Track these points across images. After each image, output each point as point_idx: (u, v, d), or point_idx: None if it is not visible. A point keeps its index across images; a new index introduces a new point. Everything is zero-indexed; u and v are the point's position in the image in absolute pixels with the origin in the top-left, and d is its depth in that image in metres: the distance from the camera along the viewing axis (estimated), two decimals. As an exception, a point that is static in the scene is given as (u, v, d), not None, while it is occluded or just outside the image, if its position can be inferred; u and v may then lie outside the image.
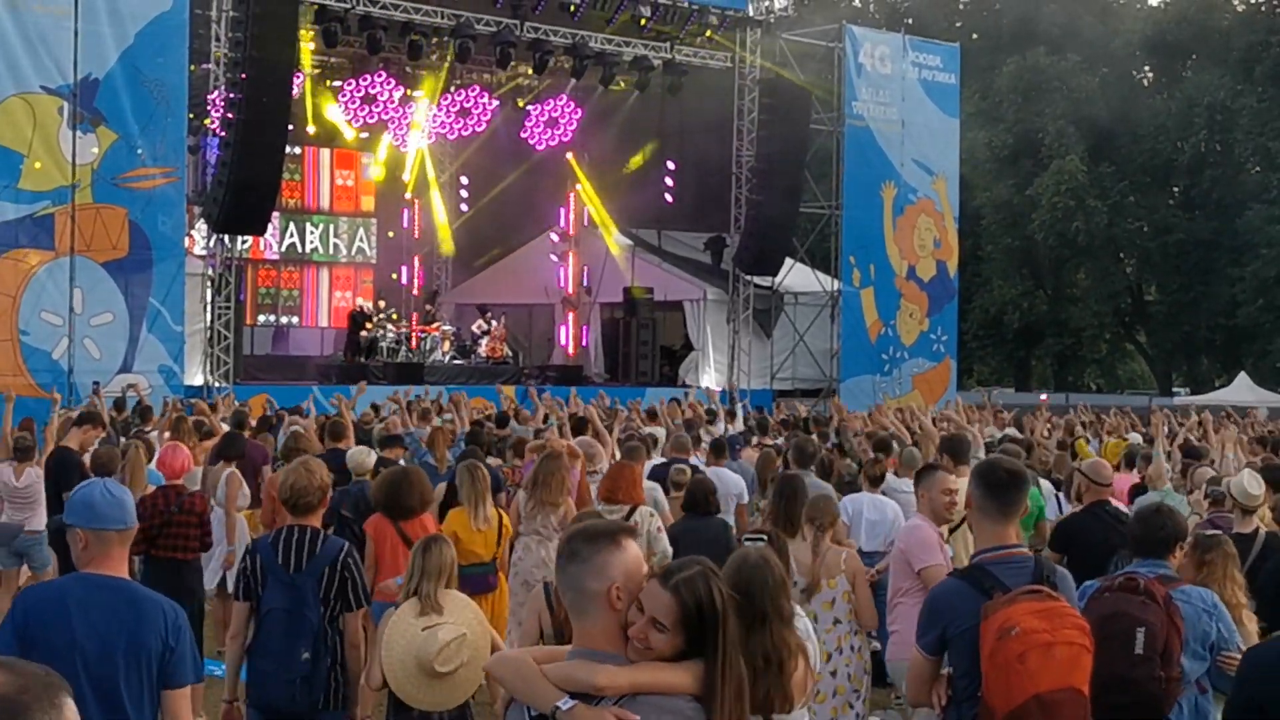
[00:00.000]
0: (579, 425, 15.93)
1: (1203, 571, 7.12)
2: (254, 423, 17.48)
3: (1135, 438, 19.43)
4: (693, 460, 14.28)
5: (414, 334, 33.81)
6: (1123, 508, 10.19)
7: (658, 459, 14.45)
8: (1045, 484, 13.09)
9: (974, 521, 5.89)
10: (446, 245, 39.43)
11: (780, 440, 18.03)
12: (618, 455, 13.55)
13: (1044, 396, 28.90)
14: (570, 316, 38.39)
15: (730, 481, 13.36)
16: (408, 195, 38.78)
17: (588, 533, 4.09)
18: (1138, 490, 12.44)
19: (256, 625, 7.55)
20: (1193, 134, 54.48)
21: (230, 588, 10.25)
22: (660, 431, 17.55)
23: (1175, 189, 57.66)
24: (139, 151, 25.42)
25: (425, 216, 39.64)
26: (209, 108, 27.87)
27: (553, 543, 10.74)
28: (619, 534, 4.07)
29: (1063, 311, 57.94)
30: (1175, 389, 57.41)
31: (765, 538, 5.76)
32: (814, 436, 17.14)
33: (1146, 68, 60.95)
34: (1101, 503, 9.61)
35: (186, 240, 27.62)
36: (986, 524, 5.78)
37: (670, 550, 9.96)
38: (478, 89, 34.93)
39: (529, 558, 10.55)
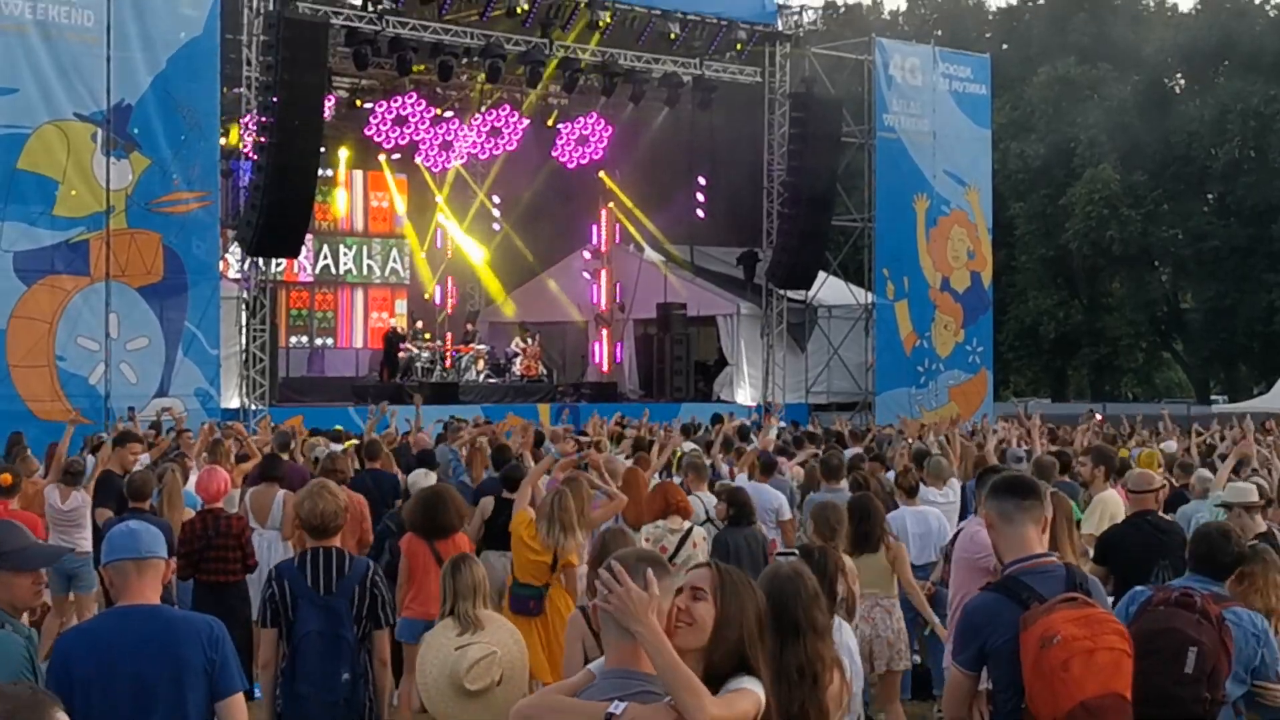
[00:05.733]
0: (642, 445, 16.03)
1: (1244, 583, 7.03)
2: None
3: (1170, 445, 19.36)
4: (741, 477, 14.35)
5: (448, 353, 33.87)
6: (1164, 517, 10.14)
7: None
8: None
9: (997, 536, 5.83)
10: (488, 283, 39.47)
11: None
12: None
13: (1099, 417, 28.72)
14: (604, 333, 38.41)
15: (770, 496, 13.27)
16: (440, 216, 38.84)
17: (648, 555, 4.32)
18: (1177, 499, 12.34)
19: (291, 650, 7.49)
20: (1227, 140, 54.19)
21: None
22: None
23: (1210, 196, 57.34)
24: (173, 176, 25.55)
25: (457, 237, 39.71)
26: (241, 131, 28.00)
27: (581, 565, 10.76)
28: (670, 568, 4.35)
29: (1098, 321, 57.71)
30: (1213, 397, 57.04)
31: (796, 553, 5.76)
32: (860, 450, 17.18)
33: (1179, 75, 60.69)
34: (1144, 513, 9.54)
35: (221, 264, 27.71)
36: (1009, 531, 5.72)
37: None
38: (508, 108, 34.96)
39: None
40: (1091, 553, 9.35)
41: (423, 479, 11.95)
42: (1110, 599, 7.86)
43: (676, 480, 12.76)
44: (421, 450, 16.17)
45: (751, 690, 4.11)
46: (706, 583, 4.15)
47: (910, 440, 19.50)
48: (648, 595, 4.01)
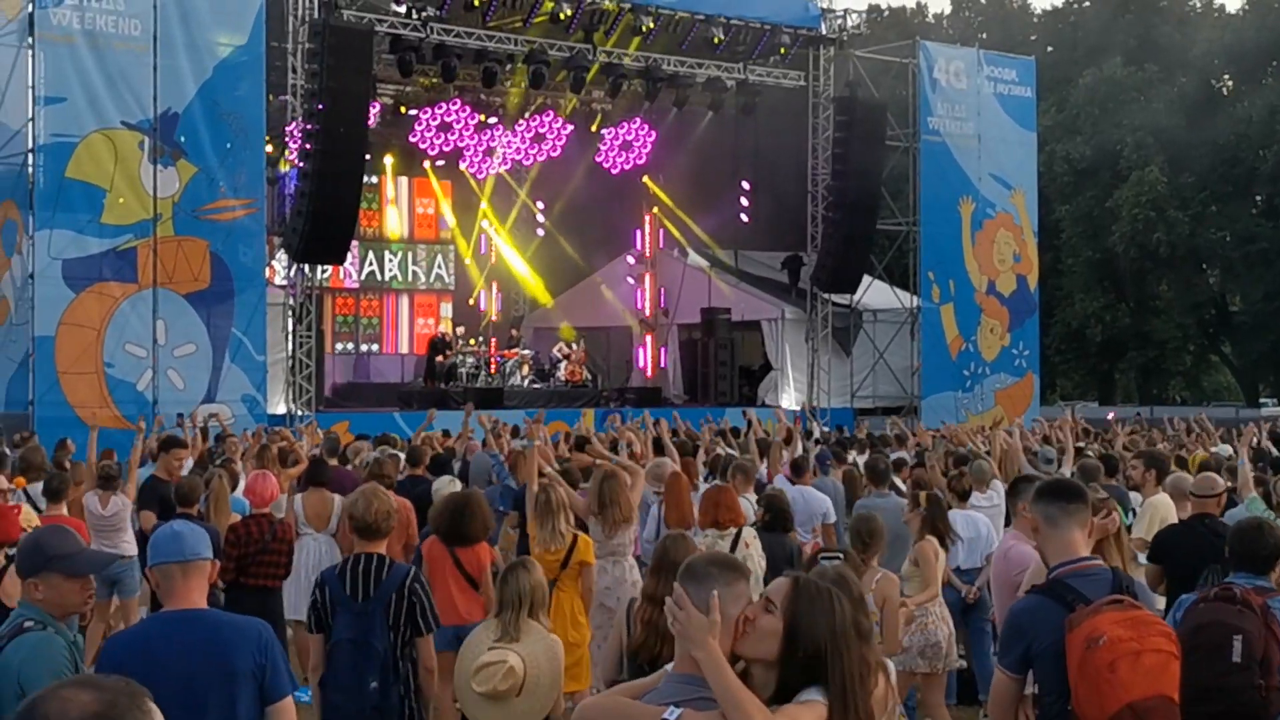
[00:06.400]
0: (686, 451, 15.99)
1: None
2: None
3: (1224, 449, 19.17)
4: (779, 481, 14.24)
5: (493, 359, 33.94)
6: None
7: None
8: (1134, 496, 12.92)
9: (1042, 540, 5.81)
10: (532, 288, 39.56)
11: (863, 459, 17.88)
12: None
13: (1110, 415, 28.65)
14: (648, 338, 38.41)
15: (816, 501, 13.19)
16: (484, 222, 38.93)
17: (722, 560, 4.40)
18: (1227, 502, 12.23)
19: (326, 657, 7.56)
20: (1275, 141, 53.71)
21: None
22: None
23: (1258, 197, 56.85)
24: (219, 184, 25.72)
25: (500, 244, 39.78)
26: (287, 139, 28.15)
27: (627, 560, 10.70)
28: (744, 570, 4.40)
29: (1145, 324, 57.32)
30: (1262, 400, 56.58)
31: (841, 556, 5.73)
32: (903, 454, 17.09)
33: (1226, 75, 60.21)
34: (1201, 516, 9.48)
35: (267, 270, 27.85)
36: (1054, 534, 5.72)
37: None
38: (552, 114, 35.03)
39: (603, 579, 10.27)
40: (1140, 558, 9.30)
41: (448, 486, 11.94)
42: (1163, 600, 7.82)
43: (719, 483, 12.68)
44: (435, 456, 16.13)
45: (813, 701, 4.11)
46: (779, 595, 4.15)
47: (947, 440, 19.41)
48: (708, 621, 4.08)
